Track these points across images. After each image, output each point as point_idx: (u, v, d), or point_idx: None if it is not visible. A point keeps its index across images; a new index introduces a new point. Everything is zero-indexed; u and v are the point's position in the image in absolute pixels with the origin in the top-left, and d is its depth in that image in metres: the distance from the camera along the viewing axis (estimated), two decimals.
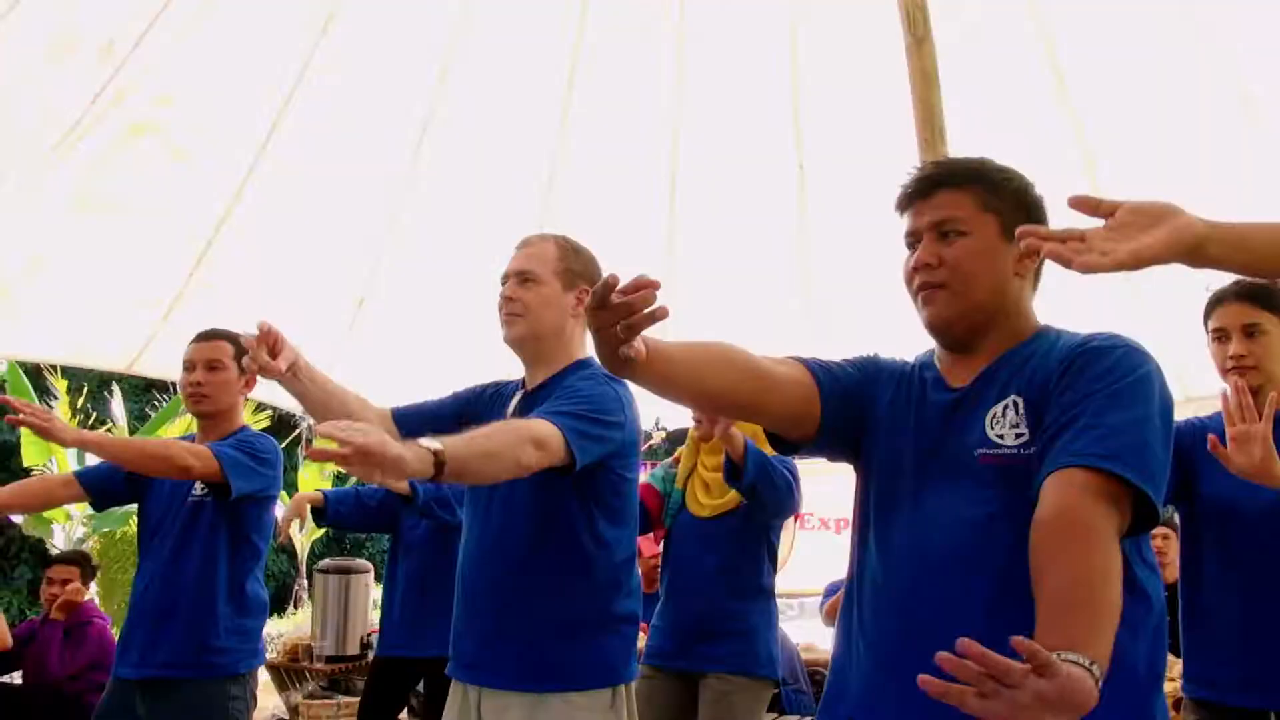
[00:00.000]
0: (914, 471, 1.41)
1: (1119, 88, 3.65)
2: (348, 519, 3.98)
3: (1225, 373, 2.30)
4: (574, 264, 2.22)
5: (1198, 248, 1.14)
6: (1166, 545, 3.85)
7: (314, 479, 12.13)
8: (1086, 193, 1.20)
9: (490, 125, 4.15)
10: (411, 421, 2.36)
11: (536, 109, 4.14)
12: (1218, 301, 2.35)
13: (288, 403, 4.85)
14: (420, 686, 3.97)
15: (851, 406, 1.50)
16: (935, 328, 1.45)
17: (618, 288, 1.20)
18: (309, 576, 12.94)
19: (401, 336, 4.64)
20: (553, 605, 2.04)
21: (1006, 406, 1.36)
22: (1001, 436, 1.34)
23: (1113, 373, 1.28)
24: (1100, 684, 1.03)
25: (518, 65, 4.00)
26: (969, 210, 1.41)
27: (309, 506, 3.86)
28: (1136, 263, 1.11)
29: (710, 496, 3.10)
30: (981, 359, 1.43)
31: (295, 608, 14.09)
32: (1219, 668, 2.23)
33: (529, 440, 1.82)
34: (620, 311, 1.21)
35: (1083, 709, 1.00)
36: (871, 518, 1.46)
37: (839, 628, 1.48)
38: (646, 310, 1.21)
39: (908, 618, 1.33)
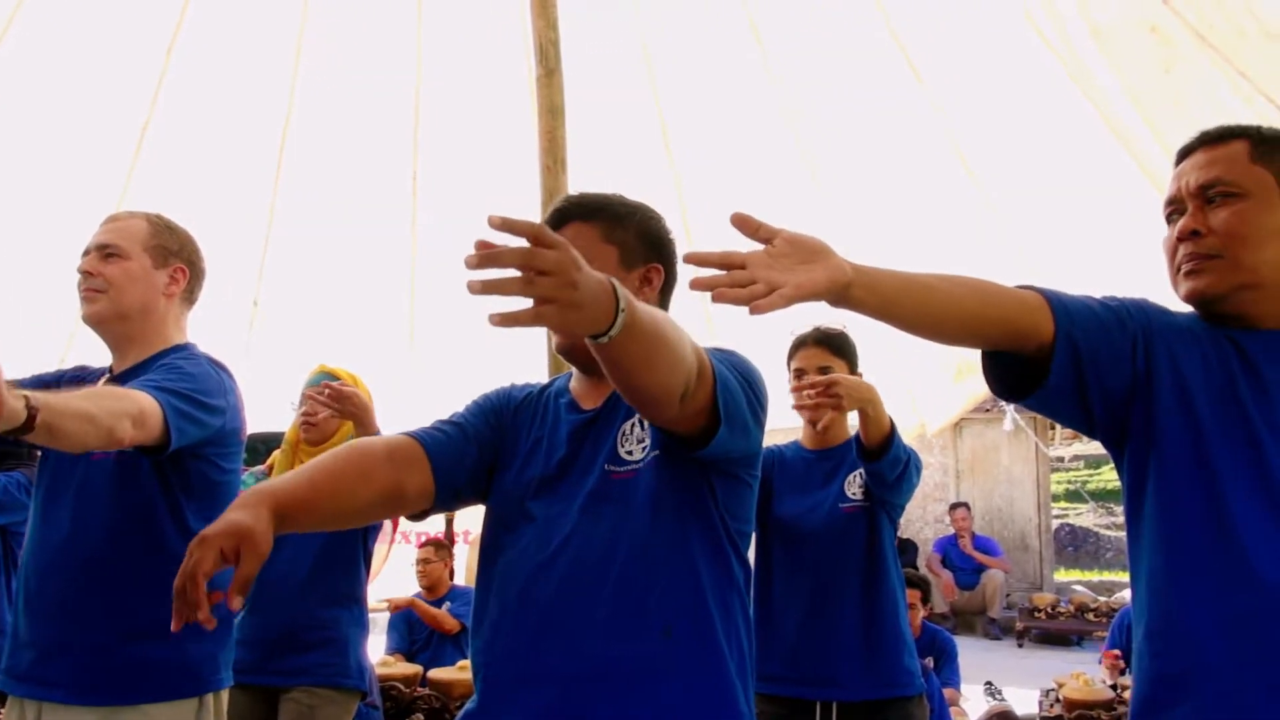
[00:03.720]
0: (544, 492, 1.47)
1: (711, 139, 4.04)
2: None
3: (800, 408, 2.65)
4: (167, 241, 2.07)
5: (847, 288, 1.19)
6: None
7: None
8: (746, 213, 1.19)
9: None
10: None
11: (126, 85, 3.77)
12: (799, 345, 2.71)
13: None
14: None
15: (461, 471, 1.52)
16: (559, 351, 1.54)
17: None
18: None
19: None
20: (128, 607, 1.85)
21: (634, 424, 1.46)
22: (630, 453, 1.44)
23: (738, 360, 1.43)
24: (617, 296, 1.08)
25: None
26: (592, 241, 1.50)
27: None
28: (800, 298, 1.14)
29: None
30: None
31: None
32: (779, 665, 2.57)
33: (130, 414, 1.67)
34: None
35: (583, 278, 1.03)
36: (499, 541, 1.49)
37: (478, 655, 1.47)
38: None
39: (538, 629, 1.38)
